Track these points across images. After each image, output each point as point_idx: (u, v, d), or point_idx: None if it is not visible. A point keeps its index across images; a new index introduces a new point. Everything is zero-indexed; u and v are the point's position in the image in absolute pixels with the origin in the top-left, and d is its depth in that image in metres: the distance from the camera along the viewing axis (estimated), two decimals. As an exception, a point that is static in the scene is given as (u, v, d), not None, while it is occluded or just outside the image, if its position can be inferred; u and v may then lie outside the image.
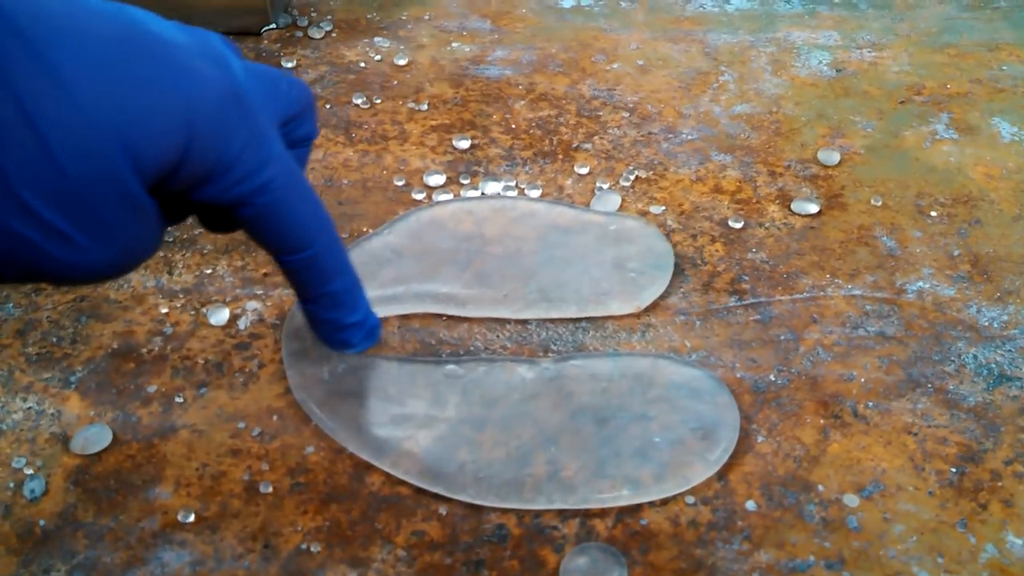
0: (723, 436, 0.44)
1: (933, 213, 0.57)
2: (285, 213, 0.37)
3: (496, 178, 0.58)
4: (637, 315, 0.50)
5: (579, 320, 0.49)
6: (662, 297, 0.51)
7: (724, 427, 0.44)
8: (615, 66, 0.69)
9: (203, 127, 0.34)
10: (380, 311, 0.49)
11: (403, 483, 0.42)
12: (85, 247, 0.32)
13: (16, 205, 0.30)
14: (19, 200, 0.30)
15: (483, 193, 0.57)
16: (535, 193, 0.57)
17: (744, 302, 0.51)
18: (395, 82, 0.68)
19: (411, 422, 0.44)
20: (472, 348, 0.48)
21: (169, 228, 0.54)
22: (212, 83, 0.34)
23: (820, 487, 0.43)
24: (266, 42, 0.72)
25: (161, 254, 0.53)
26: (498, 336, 0.49)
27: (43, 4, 0.31)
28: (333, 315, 0.41)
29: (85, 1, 0.32)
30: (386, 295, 0.50)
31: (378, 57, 0.70)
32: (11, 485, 0.43)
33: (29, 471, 0.43)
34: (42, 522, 0.41)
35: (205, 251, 0.53)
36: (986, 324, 0.50)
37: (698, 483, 0.42)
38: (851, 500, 0.42)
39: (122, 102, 0.31)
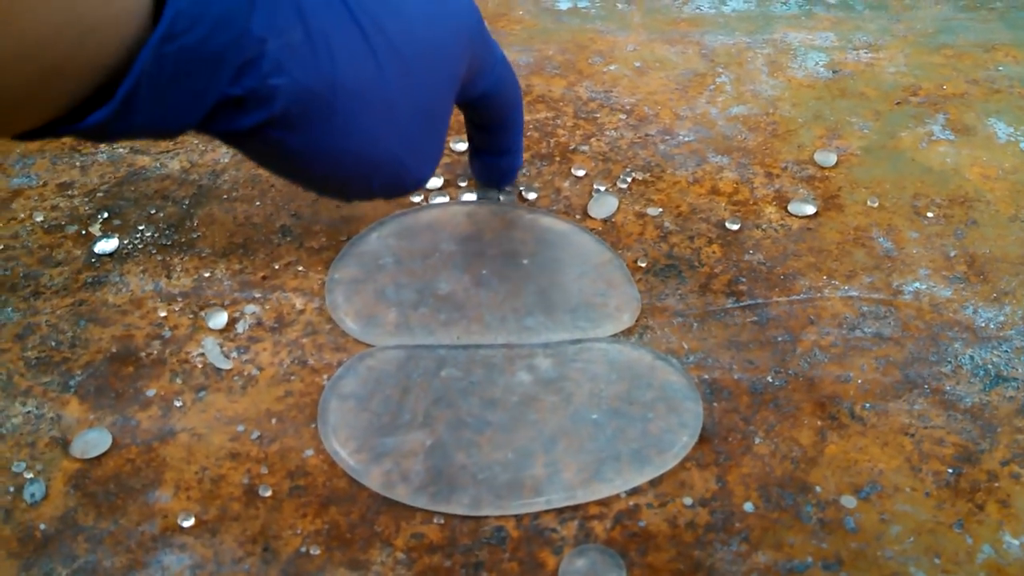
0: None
1: (929, 214, 0.57)
2: (510, 88, 0.47)
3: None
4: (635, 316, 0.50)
5: (577, 319, 0.49)
6: (660, 299, 0.51)
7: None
8: (612, 68, 0.70)
9: (474, 44, 0.41)
10: (379, 315, 0.49)
11: (403, 484, 0.42)
12: (427, 158, 0.41)
13: (398, 130, 0.38)
14: (400, 125, 0.37)
15: (479, 196, 0.57)
16: (532, 196, 0.57)
17: (741, 303, 0.51)
18: (392, 84, 0.68)
19: (410, 426, 0.44)
20: (470, 344, 0.48)
21: (168, 231, 0.54)
22: (469, 5, 0.41)
23: (817, 488, 0.43)
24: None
25: (159, 257, 0.53)
26: (496, 337, 0.49)
27: None
28: (515, 142, 0.51)
29: None
30: (385, 301, 0.50)
31: (375, 59, 0.70)
32: (11, 489, 0.43)
33: (29, 475, 0.43)
34: (42, 526, 0.41)
35: (203, 254, 0.53)
36: (982, 325, 0.50)
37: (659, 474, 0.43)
38: (848, 501, 0.42)
39: (441, 36, 0.39)
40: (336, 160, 0.37)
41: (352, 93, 0.35)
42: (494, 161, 0.52)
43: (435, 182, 0.58)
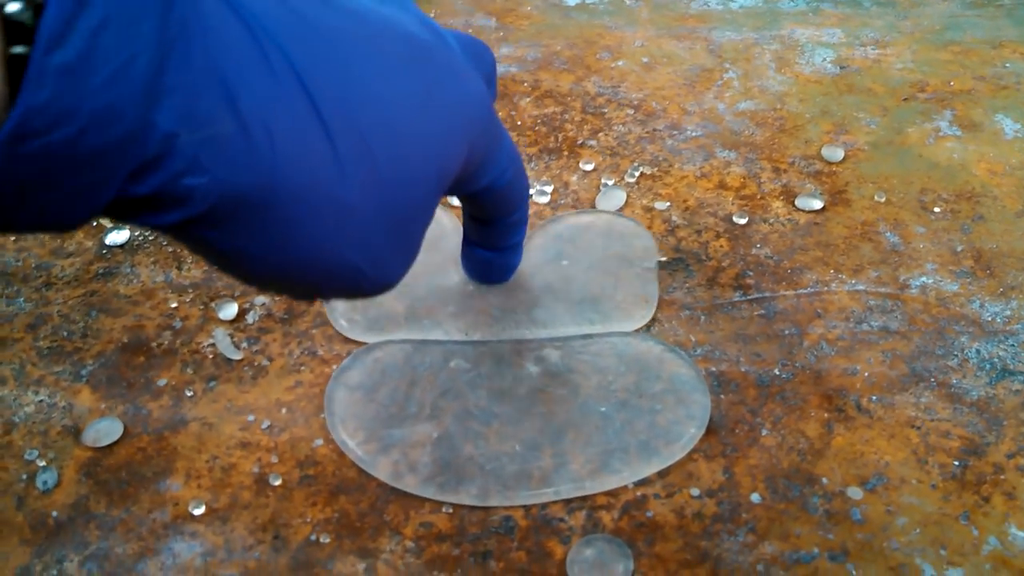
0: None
1: (936, 209, 0.57)
2: (515, 182, 0.42)
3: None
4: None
5: (584, 310, 0.49)
6: (668, 292, 0.51)
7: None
8: (620, 63, 0.70)
9: (475, 138, 0.36)
10: (386, 308, 0.49)
11: (412, 474, 0.43)
12: (395, 265, 0.34)
13: (358, 237, 0.31)
14: (361, 232, 0.31)
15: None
16: (547, 189, 0.57)
17: (748, 297, 0.51)
18: (401, 79, 0.68)
19: (417, 417, 0.45)
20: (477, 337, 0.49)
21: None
22: (477, 92, 0.35)
23: (824, 480, 0.43)
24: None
25: (170, 249, 0.53)
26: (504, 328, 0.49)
27: (336, 33, 0.31)
28: (516, 238, 0.46)
29: (363, 20, 0.32)
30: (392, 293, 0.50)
31: (384, 54, 0.71)
32: (24, 477, 0.43)
33: (42, 463, 0.44)
34: (55, 513, 0.42)
35: (214, 246, 0.54)
36: (989, 319, 0.50)
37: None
38: (855, 493, 0.42)
39: (430, 127, 0.32)
40: (275, 266, 0.31)
41: (298, 196, 0.29)
42: (489, 257, 0.47)
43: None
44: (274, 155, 0.28)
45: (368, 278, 0.33)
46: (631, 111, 0.65)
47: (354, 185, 0.30)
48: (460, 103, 0.34)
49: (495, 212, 0.43)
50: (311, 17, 0.30)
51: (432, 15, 0.76)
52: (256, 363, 0.48)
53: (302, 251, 0.30)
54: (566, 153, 0.61)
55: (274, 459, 0.44)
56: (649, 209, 0.56)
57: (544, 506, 0.42)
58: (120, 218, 0.28)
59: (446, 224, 0.54)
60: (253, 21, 0.28)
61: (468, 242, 0.47)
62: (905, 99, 0.67)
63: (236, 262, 0.31)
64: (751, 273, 0.53)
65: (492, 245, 0.46)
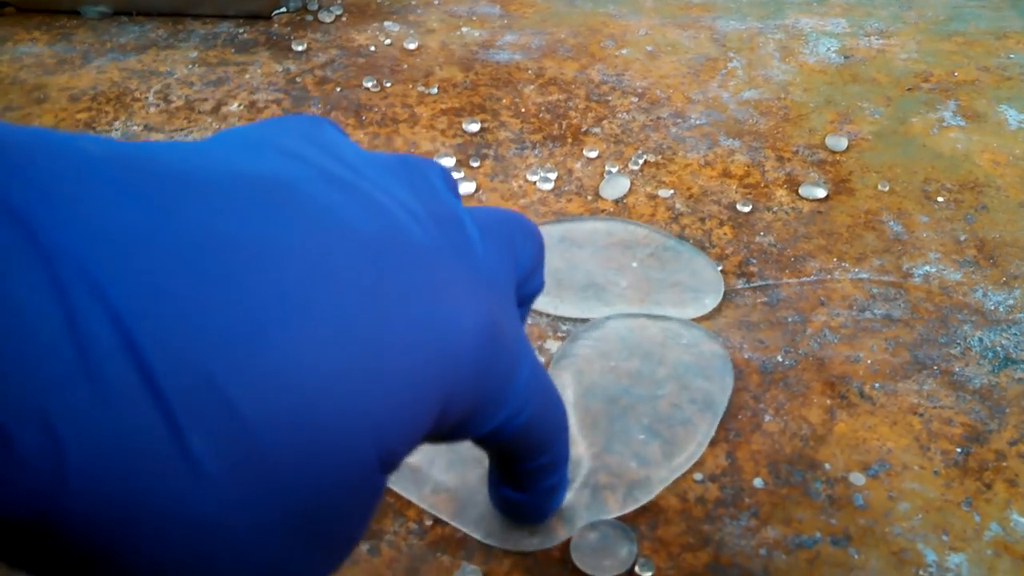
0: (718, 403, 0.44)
1: (940, 198, 0.57)
2: (539, 420, 0.32)
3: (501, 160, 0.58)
4: (646, 297, 0.50)
5: (588, 296, 0.50)
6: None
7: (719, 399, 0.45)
8: (624, 51, 0.70)
9: (460, 383, 0.25)
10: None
11: (409, 467, 0.43)
12: (317, 567, 0.24)
13: (234, 558, 0.20)
14: (240, 551, 0.20)
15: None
16: (550, 176, 0.57)
17: (752, 284, 0.51)
18: (405, 66, 0.68)
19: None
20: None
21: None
22: (475, 320, 0.26)
23: (826, 466, 0.43)
24: (276, 25, 0.73)
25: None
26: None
27: (233, 243, 0.20)
28: (549, 482, 0.37)
29: (338, 207, 0.23)
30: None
31: (388, 41, 0.71)
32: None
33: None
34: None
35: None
36: (992, 308, 0.50)
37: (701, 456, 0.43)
38: (857, 479, 0.42)
39: (367, 382, 0.22)
40: None
41: (109, 526, 0.18)
42: (516, 499, 0.38)
43: (448, 162, 0.58)
44: (61, 465, 0.17)
45: None
46: (635, 99, 0.65)
47: (219, 488, 0.19)
48: (436, 338, 0.24)
49: (513, 455, 0.33)
50: (188, 215, 0.20)
51: (436, 3, 0.76)
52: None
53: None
54: (570, 140, 0.61)
55: (278, 442, 0.44)
56: (653, 197, 0.57)
57: (547, 490, 0.42)
58: None
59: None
60: (46, 239, 0.17)
61: (492, 476, 0.37)
62: (909, 89, 0.67)
63: None
64: (754, 261, 0.53)
65: (519, 487, 0.37)
